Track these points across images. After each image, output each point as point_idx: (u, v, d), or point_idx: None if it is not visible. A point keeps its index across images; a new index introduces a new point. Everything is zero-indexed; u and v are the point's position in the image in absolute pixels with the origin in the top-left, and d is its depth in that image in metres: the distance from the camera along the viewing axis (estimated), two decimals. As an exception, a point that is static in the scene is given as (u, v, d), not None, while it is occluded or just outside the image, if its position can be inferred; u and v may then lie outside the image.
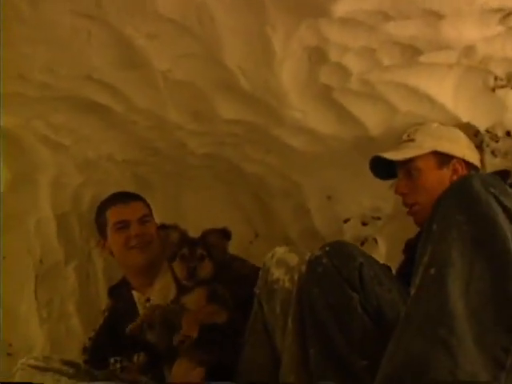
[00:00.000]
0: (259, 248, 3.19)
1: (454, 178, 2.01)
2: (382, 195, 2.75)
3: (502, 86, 2.26)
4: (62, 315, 3.25)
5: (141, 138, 2.94)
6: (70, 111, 2.71)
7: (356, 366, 1.48)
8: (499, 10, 2.01)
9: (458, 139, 2.12)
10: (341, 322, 1.51)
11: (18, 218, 3.19)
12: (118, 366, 2.00)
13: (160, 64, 2.37)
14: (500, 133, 2.33)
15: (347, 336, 1.50)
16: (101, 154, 3.08)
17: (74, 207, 3.27)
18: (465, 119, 2.36)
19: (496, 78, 2.26)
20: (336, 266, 1.55)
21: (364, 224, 2.88)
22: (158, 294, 2.26)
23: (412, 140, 2.09)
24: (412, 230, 2.05)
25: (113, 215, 2.37)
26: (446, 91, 2.35)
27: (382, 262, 2.39)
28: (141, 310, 2.27)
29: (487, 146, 2.35)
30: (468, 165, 2.06)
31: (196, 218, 3.21)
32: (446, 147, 2.06)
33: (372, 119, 2.53)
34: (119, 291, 2.47)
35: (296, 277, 1.68)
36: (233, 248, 2.28)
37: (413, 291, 1.25)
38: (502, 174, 2.06)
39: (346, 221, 2.94)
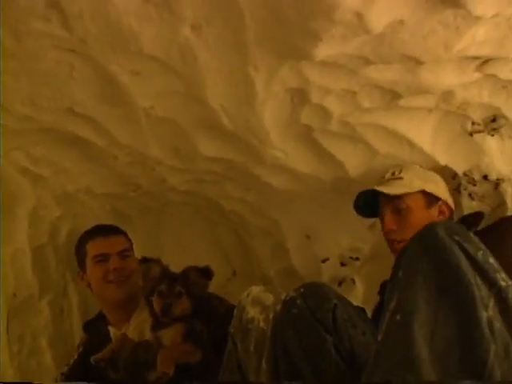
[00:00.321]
0: (237, 286, 3.18)
1: (441, 218, 2.06)
2: (360, 236, 2.76)
3: (479, 131, 2.30)
4: (34, 350, 3.19)
5: (121, 173, 2.93)
6: (51, 144, 2.70)
7: (329, 407, 1.47)
8: (476, 57, 2.06)
9: (439, 182, 2.16)
10: (314, 363, 1.50)
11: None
12: (91, 401, 1.97)
13: (142, 100, 2.38)
14: (477, 176, 2.36)
15: (320, 378, 1.48)
16: (79, 187, 3.07)
17: (50, 240, 3.23)
18: (443, 162, 2.39)
19: (473, 123, 2.30)
20: (310, 308, 1.55)
21: (342, 264, 2.88)
22: (134, 329, 2.23)
23: (400, 178, 2.13)
24: (390, 272, 2.05)
25: (92, 248, 2.35)
26: (425, 134, 2.38)
27: (359, 302, 2.41)
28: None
29: (465, 189, 2.38)
30: (449, 208, 2.10)
31: (175, 254, 3.19)
32: (432, 188, 2.11)
33: (352, 160, 2.55)
34: (95, 326, 2.44)
35: (271, 316, 1.68)
36: (211, 285, 2.27)
37: (380, 337, 1.25)
38: (477, 216, 2.10)
39: (324, 261, 2.93)
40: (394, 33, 1.97)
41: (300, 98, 2.33)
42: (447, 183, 2.23)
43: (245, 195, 2.99)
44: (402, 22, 1.91)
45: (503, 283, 1.24)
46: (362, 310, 1.86)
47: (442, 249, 1.27)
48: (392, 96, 2.27)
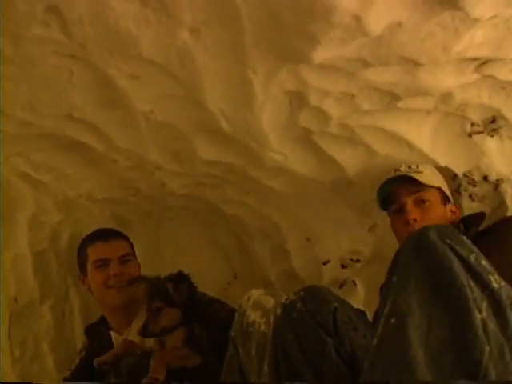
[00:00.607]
0: (237, 289, 3.17)
1: (454, 218, 2.10)
2: (361, 238, 2.76)
3: (479, 132, 2.30)
4: (36, 355, 3.19)
5: (121, 178, 2.93)
6: (51, 149, 2.70)
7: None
8: (475, 59, 2.07)
9: (446, 184, 2.20)
10: (315, 366, 1.50)
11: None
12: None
13: (141, 104, 2.38)
14: (477, 177, 2.36)
15: (321, 380, 1.49)
16: (80, 193, 3.06)
17: (51, 245, 3.23)
18: (442, 163, 2.39)
19: (473, 124, 2.30)
20: (310, 311, 1.55)
21: (343, 266, 2.88)
22: (135, 334, 2.23)
23: (420, 172, 2.14)
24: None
25: (93, 253, 2.35)
26: (424, 136, 2.38)
27: (360, 304, 2.41)
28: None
29: (465, 190, 2.38)
30: (458, 210, 2.15)
31: (175, 258, 3.20)
32: (445, 188, 2.14)
33: (351, 162, 2.55)
34: (97, 330, 2.44)
35: (272, 319, 1.68)
36: (211, 289, 2.27)
37: (375, 340, 1.26)
38: (479, 216, 2.10)
39: (325, 263, 2.93)
40: (392, 35, 1.97)
41: (298, 100, 2.33)
42: (447, 184, 2.24)
43: (244, 198, 2.99)
44: (400, 24, 1.92)
45: (496, 285, 1.25)
46: (363, 312, 1.87)
47: (434, 252, 1.28)
48: (391, 98, 2.27)
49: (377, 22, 1.92)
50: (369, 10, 1.87)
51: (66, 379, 2.40)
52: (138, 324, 2.24)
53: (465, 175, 2.38)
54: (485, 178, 2.35)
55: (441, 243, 1.29)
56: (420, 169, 2.16)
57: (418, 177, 2.10)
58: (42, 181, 2.94)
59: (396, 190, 2.13)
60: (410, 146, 2.42)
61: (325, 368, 1.50)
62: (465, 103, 2.27)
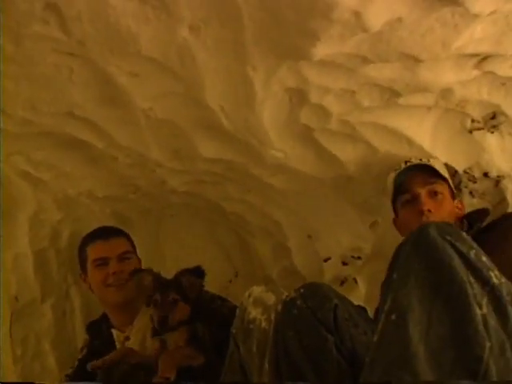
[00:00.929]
0: (239, 287, 3.18)
1: (460, 213, 2.11)
2: (362, 235, 2.76)
3: (479, 128, 2.29)
4: (37, 354, 3.19)
5: (121, 175, 2.93)
6: (51, 147, 2.70)
7: (330, 407, 1.47)
8: (474, 55, 2.06)
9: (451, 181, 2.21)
10: (315, 363, 1.50)
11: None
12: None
13: (141, 102, 2.38)
14: (477, 174, 2.36)
15: (322, 377, 1.48)
16: (81, 191, 3.06)
17: (52, 243, 3.23)
18: (443, 160, 2.38)
19: (473, 121, 2.29)
20: (311, 308, 1.55)
21: (344, 263, 2.88)
22: (136, 332, 2.23)
23: (432, 164, 2.16)
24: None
25: (92, 252, 2.36)
26: (425, 132, 2.38)
27: (361, 301, 2.41)
28: (119, 348, 2.24)
29: (465, 186, 2.38)
30: (463, 206, 2.18)
31: (176, 256, 3.20)
32: (451, 184, 2.17)
33: (351, 159, 2.54)
34: (98, 327, 2.45)
35: (273, 316, 1.67)
36: (212, 287, 2.27)
37: (376, 337, 1.26)
38: (481, 213, 2.11)
39: (326, 260, 2.94)
40: (392, 31, 1.96)
41: (299, 97, 2.32)
42: (449, 181, 2.25)
43: (245, 196, 2.99)
44: (399, 20, 1.91)
45: (496, 281, 1.25)
46: (363, 309, 1.87)
47: (434, 248, 1.28)
48: (391, 94, 2.26)
49: (376, 17, 1.91)
50: (368, 5, 1.87)
51: (67, 376, 2.41)
52: (139, 322, 2.24)
53: (465, 172, 2.37)
54: (485, 174, 2.35)
55: (441, 239, 1.29)
56: (431, 162, 2.18)
57: (435, 165, 2.12)
58: (42, 179, 2.94)
59: (410, 178, 2.14)
60: (410, 142, 2.42)
61: (325, 365, 1.50)
62: (465, 99, 2.26)
